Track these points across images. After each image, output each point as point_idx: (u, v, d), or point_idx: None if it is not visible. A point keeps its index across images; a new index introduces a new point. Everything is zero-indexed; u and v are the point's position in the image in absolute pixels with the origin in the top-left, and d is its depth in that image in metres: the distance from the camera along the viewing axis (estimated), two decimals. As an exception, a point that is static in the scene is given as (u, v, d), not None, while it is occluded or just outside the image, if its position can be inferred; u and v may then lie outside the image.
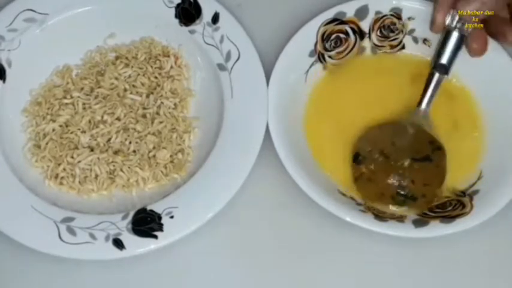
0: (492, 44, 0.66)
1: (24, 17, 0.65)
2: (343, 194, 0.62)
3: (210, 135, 0.63)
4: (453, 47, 0.63)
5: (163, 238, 0.58)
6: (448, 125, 0.66)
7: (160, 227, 0.58)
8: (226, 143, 0.61)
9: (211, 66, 0.65)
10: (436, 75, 0.64)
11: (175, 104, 0.65)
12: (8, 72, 0.64)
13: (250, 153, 0.61)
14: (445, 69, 0.63)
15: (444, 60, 0.63)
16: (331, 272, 0.61)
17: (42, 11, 0.65)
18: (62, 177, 0.62)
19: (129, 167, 0.62)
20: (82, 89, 0.65)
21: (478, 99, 0.66)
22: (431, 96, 0.64)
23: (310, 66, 0.67)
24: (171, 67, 0.67)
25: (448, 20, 0.62)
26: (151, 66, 0.66)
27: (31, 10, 0.65)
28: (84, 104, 0.64)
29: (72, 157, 0.62)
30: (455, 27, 0.62)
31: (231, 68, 0.64)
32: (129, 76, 0.66)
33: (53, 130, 0.63)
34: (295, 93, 0.65)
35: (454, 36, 0.63)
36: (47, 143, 0.63)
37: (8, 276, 0.59)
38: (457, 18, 0.62)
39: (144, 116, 0.65)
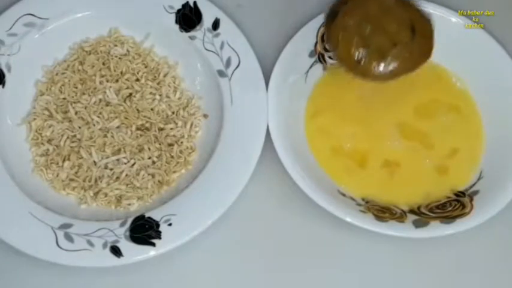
0: (492, 44, 0.66)
1: (24, 21, 0.65)
2: (343, 194, 0.62)
3: (209, 142, 0.63)
4: None
5: (161, 246, 0.58)
6: (448, 125, 0.66)
7: (158, 235, 0.58)
8: (225, 151, 0.61)
9: (211, 73, 0.65)
10: None
11: (174, 112, 0.65)
12: (8, 76, 0.64)
13: (249, 162, 0.61)
14: None
15: None
16: (331, 272, 0.61)
17: (42, 16, 0.65)
18: (74, 190, 0.62)
19: (132, 188, 0.62)
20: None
21: (478, 100, 0.66)
22: None
23: (310, 67, 0.67)
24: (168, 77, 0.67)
25: None
26: (151, 81, 0.66)
27: (31, 15, 0.65)
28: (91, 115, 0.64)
29: (84, 180, 0.62)
30: None
31: (231, 75, 0.64)
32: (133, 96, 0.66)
33: (65, 143, 0.64)
34: (295, 94, 0.65)
35: None
36: (64, 160, 0.63)
37: (5, 282, 0.59)
38: None
39: (144, 127, 0.65)
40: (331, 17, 0.56)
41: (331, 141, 0.65)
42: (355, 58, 0.55)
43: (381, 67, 0.55)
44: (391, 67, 0.55)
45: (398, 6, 0.56)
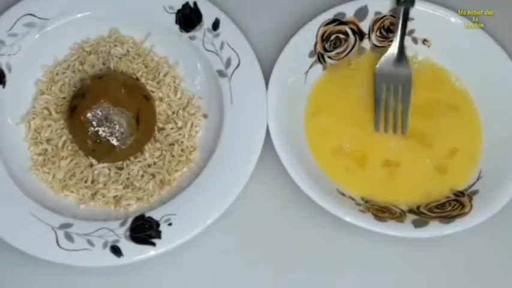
0: (492, 44, 0.66)
1: (25, 21, 0.65)
2: (343, 194, 0.62)
3: (209, 142, 0.63)
4: None
5: (161, 245, 0.58)
6: (448, 125, 0.66)
7: (158, 234, 0.58)
8: (225, 151, 0.61)
9: (211, 73, 0.65)
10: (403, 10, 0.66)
11: (174, 112, 0.65)
12: (8, 77, 0.64)
13: (249, 161, 0.61)
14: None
15: None
16: (331, 272, 0.61)
17: (43, 16, 0.65)
18: (72, 191, 0.62)
19: (132, 189, 0.62)
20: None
21: (477, 100, 0.66)
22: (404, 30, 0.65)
23: (310, 67, 0.67)
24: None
25: None
26: (151, 81, 0.66)
27: (31, 15, 0.65)
28: None
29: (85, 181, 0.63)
30: None
31: (231, 75, 0.64)
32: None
33: (64, 144, 0.64)
34: (295, 94, 0.65)
35: None
36: (61, 159, 0.63)
37: (5, 282, 0.59)
38: None
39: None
40: (71, 110, 0.61)
41: (331, 141, 0.65)
42: (90, 148, 0.61)
43: (111, 156, 0.62)
44: (120, 155, 0.62)
45: (127, 96, 0.61)
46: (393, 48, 0.66)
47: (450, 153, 0.65)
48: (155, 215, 0.59)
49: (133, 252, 0.57)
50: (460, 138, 0.65)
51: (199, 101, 0.66)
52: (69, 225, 0.58)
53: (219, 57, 0.65)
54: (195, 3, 0.67)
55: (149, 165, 0.63)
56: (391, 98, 0.65)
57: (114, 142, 0.61)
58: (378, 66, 0.66)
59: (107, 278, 0.59)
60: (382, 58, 0.66)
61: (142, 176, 0.62)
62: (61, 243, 0.57)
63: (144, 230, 0.58)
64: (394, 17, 0.68)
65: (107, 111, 0.60)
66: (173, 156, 0.63)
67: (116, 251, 0.57)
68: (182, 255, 0.59)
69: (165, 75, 0.66)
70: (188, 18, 0.66)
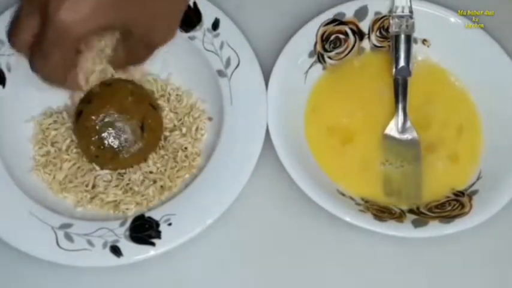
0: (492, 44, 0.66)
1: (25, 21, 0.65)
2: (343, 194, 0.62)
3: (209, 142, 0.63)
4: (405, 48, 0.65)
5: (161, 245, 0.58)
6: (448, 125, 0.66)
7: (158, 234, 0.58)
8: (225, 150, 0.61)
9: (211, 73, 0.65)
10: (401, 79, 0.65)
11: (179, 119, 0.65)
12: (8, 77, 0.64)
13: (248, 161, 0.61)
14: (408, 72, 0.65)
15: (402, 62, 0.65)
16: (331, 272, 0.61)
17: None
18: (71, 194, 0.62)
19: (132, 194, 0.62)
20: None
21: (477, 100, 0.66)
22: (405, 101, 0.65)
23: (310, 67, 0.67)
24: None
25: (392, 27, 0.65)
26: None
27: None
28: None
29: (86, 185, 0.62)
30: (401, 31, 0.65)
31: (231, 75, 0.64)
32: None
33: (68, 147, 0.63)
34: (295, 94, 0.65)
35: (402, 38, 0.65)
36: (68, 168, 0.63)
37: (5, 282, 0.59)
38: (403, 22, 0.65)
39: None
40: (77, 115, 0.61)
41: (331, 141, 0.65)
42: (93, 154, 0.61)
43: (114, 163, 0.62)
44: (123, 162, 0.62)
45: (134, 104, 0.61)
46: (398, 119, 0.65)
47: (450, 153, 0.65)
48: (155, 215, 0.59)
49: (133, 252, 0.57)
50: (460, 138, 0.65)
51: (203, 104, 0.66)
52: (69, 226, 0.58)
53: (218, 57, 0.65)
54: (194, 3, 0.67)
55: (151, 172, 0.63)
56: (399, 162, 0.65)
57: (118, 149, 0.61)
58: (386, 132, 0.65)
59: (107, 278, 0.59)
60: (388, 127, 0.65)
61: (143, 181, 0.62)
62: (61, 243, 0.57)
63: (143, 230, 0.58)
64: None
65: (112, 118, 0.61)
66: (176, 162, 0.63)
67: (116, 251, 0.57)
68: (182, 255, 0.59)
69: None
70: (188, 18, 0.66)
